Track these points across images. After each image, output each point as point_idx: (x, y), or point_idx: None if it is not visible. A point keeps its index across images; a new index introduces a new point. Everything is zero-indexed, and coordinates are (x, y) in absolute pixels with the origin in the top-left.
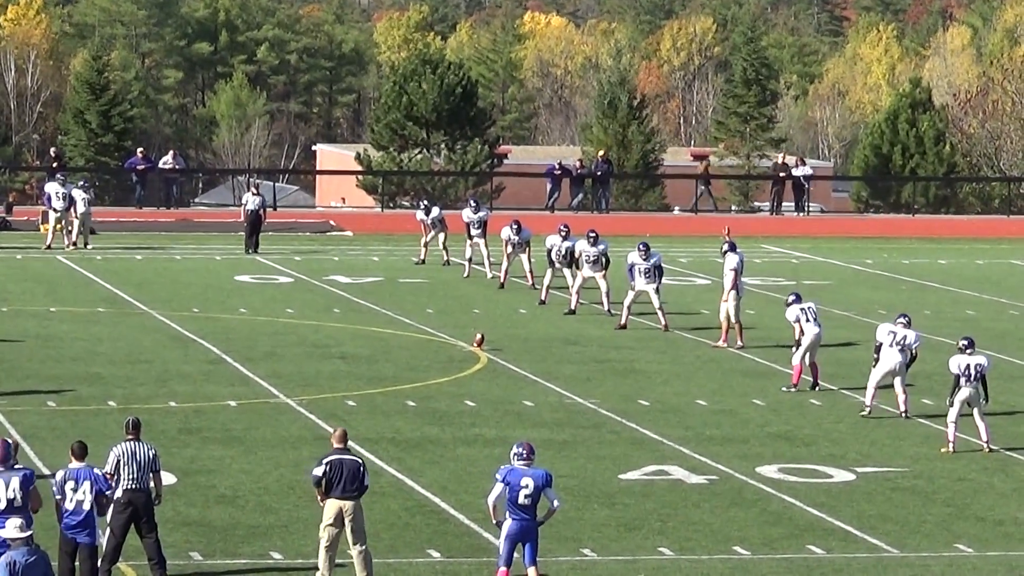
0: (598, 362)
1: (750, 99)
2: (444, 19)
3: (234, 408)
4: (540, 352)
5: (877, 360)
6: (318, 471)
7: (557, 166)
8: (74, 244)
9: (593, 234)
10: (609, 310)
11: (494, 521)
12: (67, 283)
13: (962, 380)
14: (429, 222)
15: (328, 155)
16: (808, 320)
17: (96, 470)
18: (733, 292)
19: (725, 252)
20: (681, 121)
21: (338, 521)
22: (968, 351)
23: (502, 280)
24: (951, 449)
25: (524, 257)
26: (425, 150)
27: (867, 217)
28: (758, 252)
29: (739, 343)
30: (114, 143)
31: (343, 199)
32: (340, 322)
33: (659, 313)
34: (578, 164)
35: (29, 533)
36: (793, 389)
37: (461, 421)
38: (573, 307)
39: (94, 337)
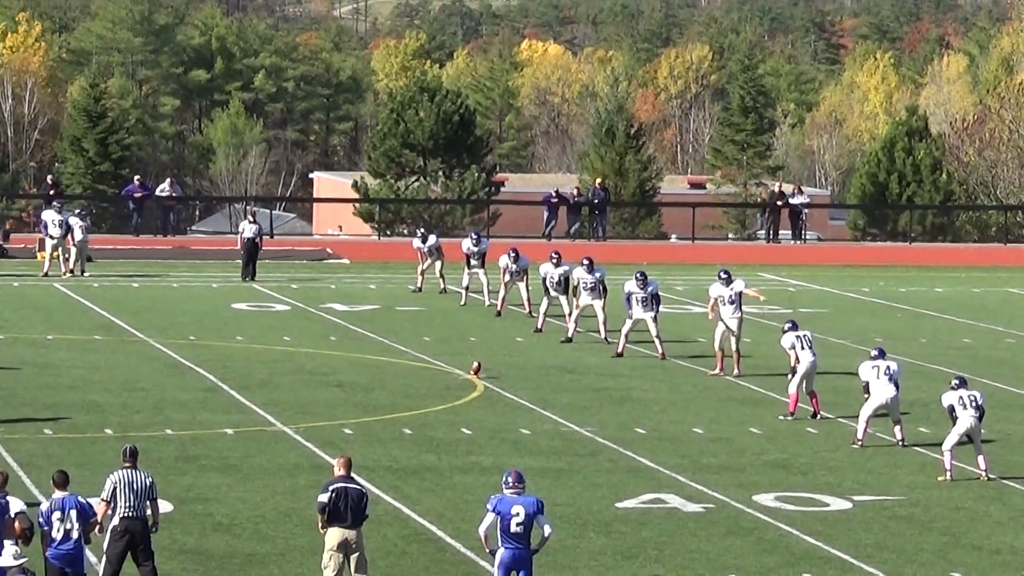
0: (595, 390)
1: (747, 127)
2: (441, 47)
3: (231, 436)
4: (537, 380)
5: (868, 396)
6: (323, 498)
7: (554, 194)
8: (71, 272)
9: (588, 261)
10: (606, 338)
11: (488, 551)
12: (64, 311)
13: (958, 410)
14: (426, 250)
15: (325, 183)
16: (804, 348)
17: (80, 498)
18: (723, 322)
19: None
20: (678, 149)
21: (342, 549)
22: (961, 388)
23: (499, 308)
24: (948, 477)
25: (521, 285)
26: (422, 178)
27: (864, 245)
28: (755, 281)
29: (736, 371)
30: (111, 171)
31: (340, 227)
32: (337, 350)
33: (656, 341)
34: (575, 192)
35: (24, 560)
36: (790, 417)
37: (458, 449)
38: (570, 335)
39: (91, 365)
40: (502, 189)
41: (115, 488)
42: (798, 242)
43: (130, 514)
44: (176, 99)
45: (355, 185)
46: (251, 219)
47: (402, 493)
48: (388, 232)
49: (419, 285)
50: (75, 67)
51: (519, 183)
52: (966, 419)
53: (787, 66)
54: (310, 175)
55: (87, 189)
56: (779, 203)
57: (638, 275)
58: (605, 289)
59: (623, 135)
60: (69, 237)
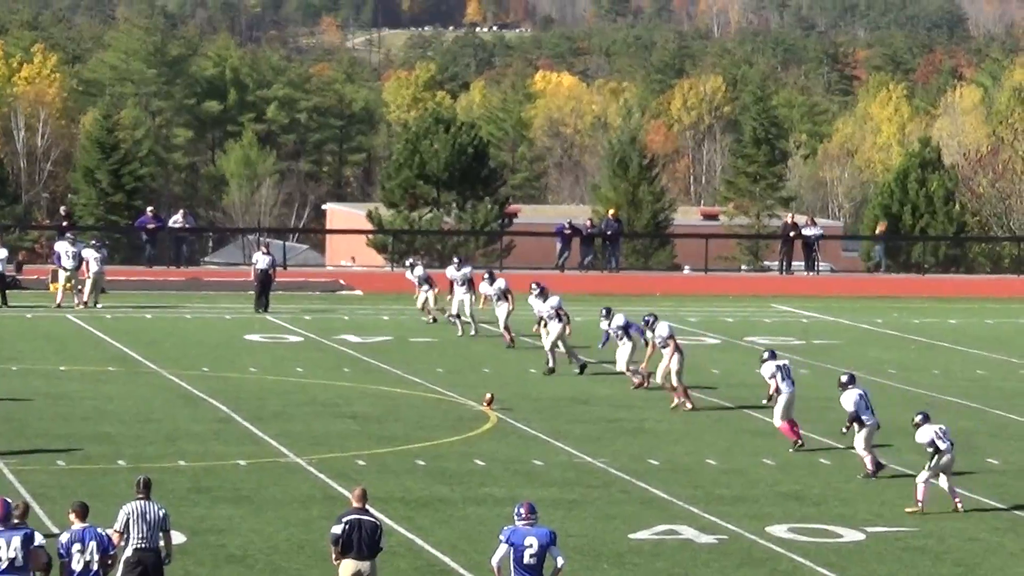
0: (608, 421)
1: (760, 158)
2: (454, 78)
3: (244, 467)
4: (550, 411)
5: (859, 428)
6: (336, 529)
7: (567, 225)
8: (84, 303)
9: (538, 287)
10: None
11: None
12: (77, 342)
13: (939, 443)
14: (416, 280)
15: (338, 214)
16: (784, 379)
17: (100, 530)
18: (676, 355)
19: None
20: (691, 180)
21: None
22: (927, 423)
23: (508, 339)
24: (921, 508)
25: (503, 308)
26: (436, 209)
27: (877, 277)
28: (768, 312)
29: (687, 405)
30: (124, 202)
31: (353, 258)
32: (350, 381)
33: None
34: (588, 223)
35: None
36: (800, 445)
37: (471, 480)
38: (551, 365)
39: (104, 396)
40: (515, 220)
41: (128, 519)
42: (811, 273)
43: (143, 545)
44: (189, 130)
45: (369, 216)
46: (264, 250)
47: (415, 524)
48: (402, 263)
49: (431, 316)
50: (88, 98)
51: (532, 214)
52: (947, 453)
53: (800, 97)
54: (323, 206)
55: (100, 220)
56: (792, 234)
57: (647, 318)
58: (562, 315)
59: (636, 166)
60: (83, 268)
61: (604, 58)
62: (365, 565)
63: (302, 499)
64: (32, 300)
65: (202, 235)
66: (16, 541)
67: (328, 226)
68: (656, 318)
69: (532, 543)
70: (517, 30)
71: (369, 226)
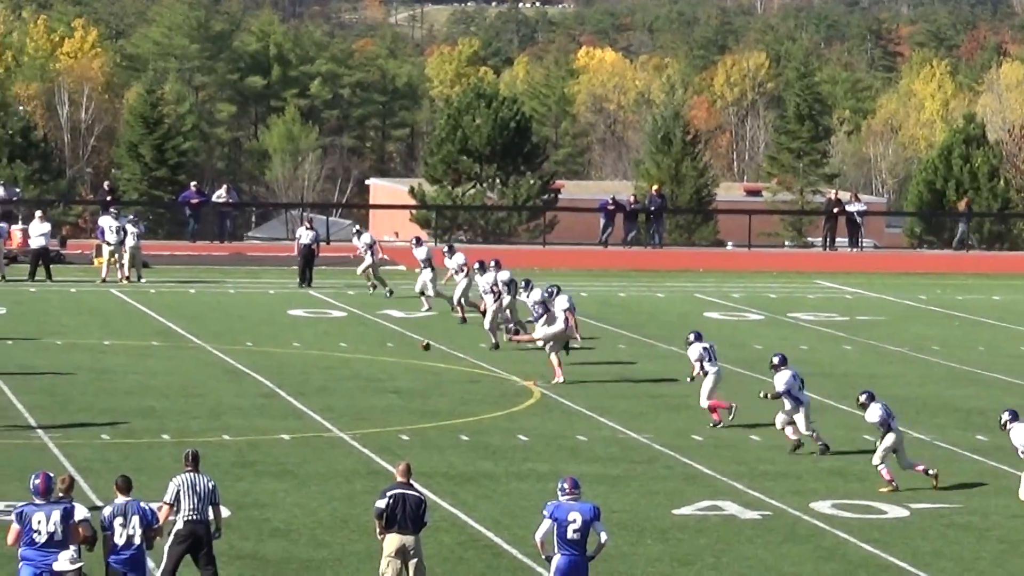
0: (651, 397)
1: (803, 135)
2: (496, 53)
3: (287, 442)
4: (593, 387)
5: (793, 407)
6: (381, 503)
7: (610, 201)
8: (127, 278)
9: (492, 264)
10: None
11: (544, 557)
12: (121, 316)
13: (892, 424)
14: (360, 248)
15: (381, 189)
16: (709, 360)
17: (143, 504)
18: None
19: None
20: (734, 156)
21: (399, 555)
22: (874, 403)
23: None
24: (894, 487)
25: (462, 282)
26: (478, 184)
27: (921, 253)
28: (811, 288)
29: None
30: (168, 177)
31: (396, 233)
32: (393, 356)
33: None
34: (631, 199)
35: (80, 565)
36: (719, 425)
37: (514, 456)
38: (495, 341)
39: (148, 370)
40: (559, 196)
41: (178, 491)
42: (855, 250)
43: (194, 517)
44: (232, 105)
45: (412, 191)
46: (308, 225)
47: (459, 499)
48: (445, 238)
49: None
50: (131, 73)
51: (575, 190)
52: (896, 431)
53: (843, 73)
54: (366, 182)
55: (143, 195)
56: (836, 211)
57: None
58: (500, 293)
59: (679, 142)
60: (125, 242)
61: (647, 34)
62: (409, 539)
63: (346, 474)
64: (76, 275)
65: (245, 210)
66: (56, 515)
67: (371, 201)
68: (559, 290)
69: (576, 518)
70: (560, 6)
71: (412, 201)
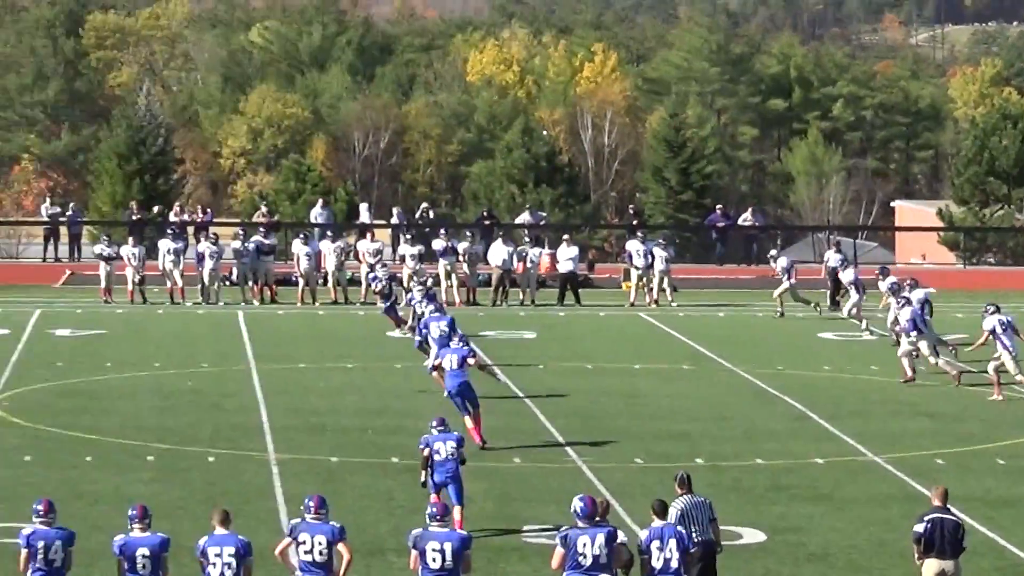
0: None
1: None
2: (1020, 73)
3: (821, 465)
4: None
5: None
6: (919, 528)
7: None
8: (655, 302)
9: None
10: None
11: None
12: (650, 340)
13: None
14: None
15: (906, 211)
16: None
17: (679, 527)
18: None
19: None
20: None
21: None
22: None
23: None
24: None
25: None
26: (1006, 206)
27: None
28: None
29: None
30: (693, 200)
31: (923, 255)
32: (926, 380)
33: None
34: None
35: None
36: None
37: None
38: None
39: (678, 393)
40: None
41: (682, 515)
42: None
43: (700, 539)
44: (754, 128)
45: (939, 213)
46: (835, 249)
47: (996, 524)
48: (974, 261)
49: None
50: (653, 97)
51: None
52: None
53: None
54: (891, 203)
55: (669, 218)
56: None
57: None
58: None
59: None
60: (653, 266)
61: None
62: (949, 564)
63: (881, 498)
64: (605, 299)
65: (770, 233)
66: (600, 539)
67: (897, 223)
68: None
69: None
70: None
71: (939, 223)
